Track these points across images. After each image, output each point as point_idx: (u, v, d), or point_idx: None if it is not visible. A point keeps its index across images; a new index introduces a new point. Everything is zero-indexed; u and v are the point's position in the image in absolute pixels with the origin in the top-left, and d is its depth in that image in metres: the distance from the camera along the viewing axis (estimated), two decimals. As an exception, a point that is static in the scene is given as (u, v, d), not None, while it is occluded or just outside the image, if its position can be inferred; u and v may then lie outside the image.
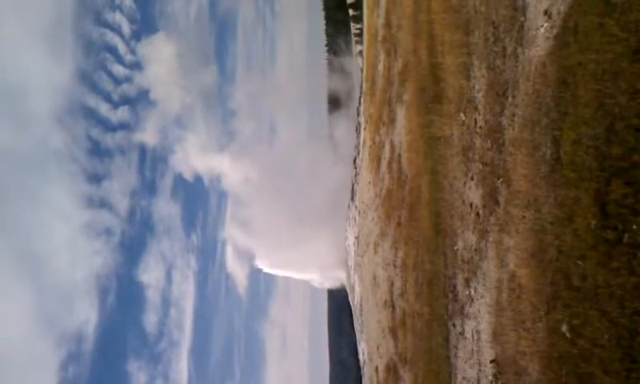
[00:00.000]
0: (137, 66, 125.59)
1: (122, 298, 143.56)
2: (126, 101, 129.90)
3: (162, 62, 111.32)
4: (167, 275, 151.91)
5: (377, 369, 30.37)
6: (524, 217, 10.96)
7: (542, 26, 10.48)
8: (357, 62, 70.20)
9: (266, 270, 78.04)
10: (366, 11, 43.49)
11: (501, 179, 12.47)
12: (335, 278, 59.33)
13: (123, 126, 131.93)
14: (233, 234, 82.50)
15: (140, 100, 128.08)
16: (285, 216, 68.46)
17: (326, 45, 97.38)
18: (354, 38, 76.70)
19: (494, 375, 12.41)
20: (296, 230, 64.60)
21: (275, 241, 70.48)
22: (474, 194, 14.45)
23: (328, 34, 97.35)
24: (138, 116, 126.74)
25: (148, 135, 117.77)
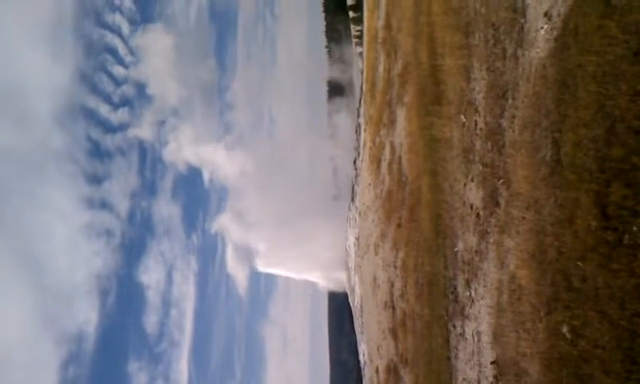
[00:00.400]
0: (136, 63, 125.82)
1: (123, 298, 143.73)
2: (126, 102, 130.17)
3: (160, 58, 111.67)
4: (167, 276, 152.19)
5: (377, 370, 30.37)
6: (524, 218, 10.98)
7: (542, 27, 10.51)
8: (357, 63, 70.30)
9: (262, 269, 77.66)
10: (366, 13, 43.50)
11: (501, 181, 12.49)
12: (337, 279, 58.89)
13: (123, 127, 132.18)
14: (226, 226, 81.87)
15: (139, 96, 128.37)
16: (283, 211, 68.14)
17: (326, 47, 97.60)
18: (354, 40, 76.83)
19: (495, 376, 12.41)
20: (295, 227, 64.16)
21: (272, 236, 69.89)
22: (475, 196, 14.46)
23: (328, 37, 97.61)
24: (138, 114, 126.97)
25: (147, 132, 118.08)
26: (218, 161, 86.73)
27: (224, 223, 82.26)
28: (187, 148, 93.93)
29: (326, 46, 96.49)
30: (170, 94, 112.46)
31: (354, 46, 77.40)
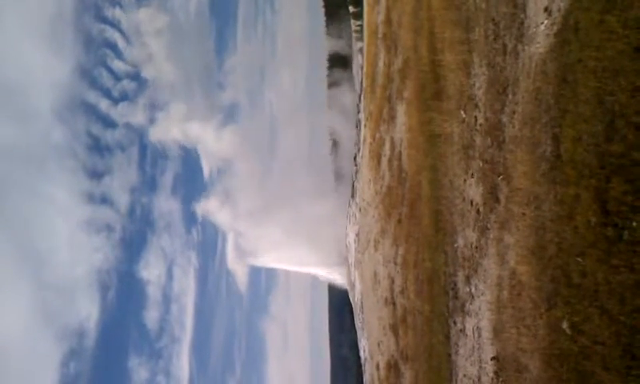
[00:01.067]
0: (135, 50, 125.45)
1: (123, 294, 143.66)
2: (126, 96, 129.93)
3: (157, 40, 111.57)
4: (168, 271, 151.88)
5: (378, 366, 30.44)
6: (524, 214, 10.97)
7: (542, 23, 10.47)
8: (357, 58, 70.19)
9: (257, 263, 76.79)
10: (366, 8, 43.39)
11: (501, 176, 12.48)
12: (336, 270, 57.47)
13: (124, 123, 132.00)
14: (212, 209, 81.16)
15: (139, 85, 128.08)
16: (279, 194, 67.30)
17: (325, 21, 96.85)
18: (354, 35, 76.73)
19: (495, 372, 12.43)
20: (290, 213, 63.12)
21: (266, 222, 68.60)
22: (475, 192, 14.45)
23: (329, 32, 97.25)
24: (138, 105, 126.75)
25: (143, 118, 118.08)
26: (214, 144, 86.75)
27: (210, 207, 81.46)
28: (183, 129, 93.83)
29: (325, 21, 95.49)
30: (166, 76, 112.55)
31: (353, 41, 77.29)
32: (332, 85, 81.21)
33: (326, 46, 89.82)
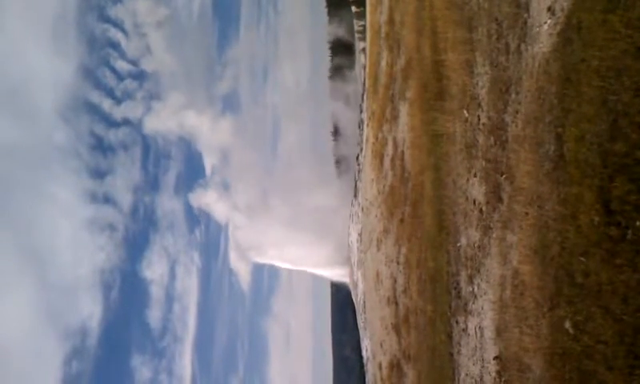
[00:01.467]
0: (138, 46, 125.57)
1: (126, 293, 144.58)
2: (129, 96, 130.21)
3: (158, 33, 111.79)
4: (171, 271, 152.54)
5: (380, 365, 30.45)
6: (527, 214, 10.97)
7: (545, 22, 10.46)
8: (359, 58, 70.38)
9: (258, 259, 76.50)
10: (368, 8, 43.39)
11: (504, 176, 12.47)
12: (336, 265, 56.67)
13: (126, 122, 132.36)
14: (210, 203, 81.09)
15: (141, 82, 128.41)
16: (280, 185, 67.16)
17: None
18: (356, 35, 77.06)
19: (498, 372, 12.44)
20: (289, 207, 62.72)
21: (265, 215, 68.19)
22: (477, 191, 14.45)
23: (331, 21, 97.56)
24: (141, 101, 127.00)
25: (141, 111, 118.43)
26: (216, 135, 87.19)
27: (210, 200, 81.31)
28: (185, 122, 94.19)
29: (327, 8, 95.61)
30: (169, 69, 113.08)
31: (356, 41, 77.53)
32: (334, 71, 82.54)
33: (328, 33, 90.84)
